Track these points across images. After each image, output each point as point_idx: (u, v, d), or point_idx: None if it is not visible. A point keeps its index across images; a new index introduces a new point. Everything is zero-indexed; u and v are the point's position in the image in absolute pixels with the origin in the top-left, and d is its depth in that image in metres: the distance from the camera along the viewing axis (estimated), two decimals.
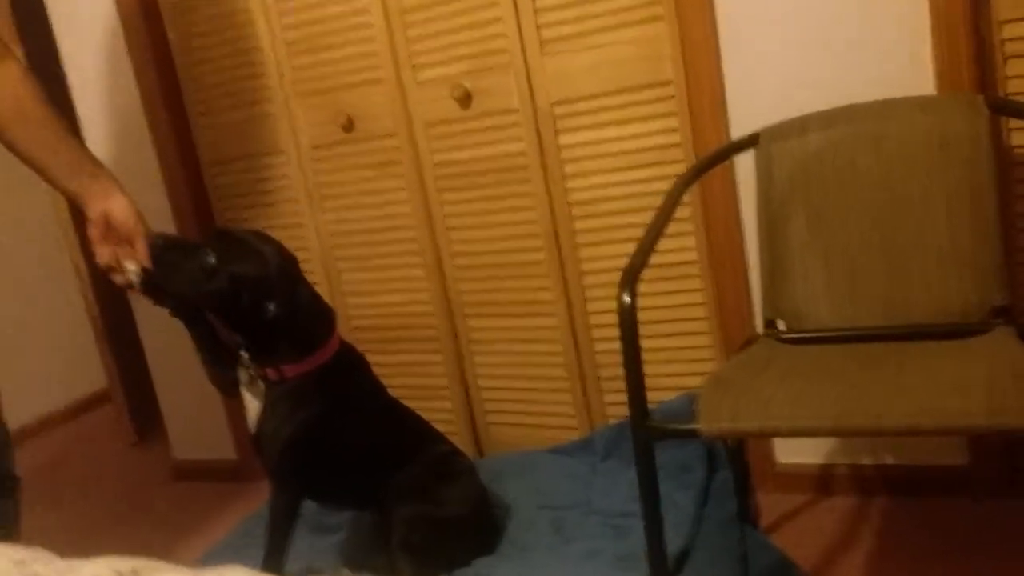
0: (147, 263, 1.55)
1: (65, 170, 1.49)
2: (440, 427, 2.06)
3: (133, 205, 1.53)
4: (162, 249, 1.68)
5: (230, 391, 1.84)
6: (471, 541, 1.81)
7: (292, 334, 1.71)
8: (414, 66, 2.13)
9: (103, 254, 1.54)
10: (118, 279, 1.58)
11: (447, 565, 1.77)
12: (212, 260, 1.64)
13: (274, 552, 1.76)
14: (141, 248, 1.54)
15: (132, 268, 1.55)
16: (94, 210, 1.50)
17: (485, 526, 1.86)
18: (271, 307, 1.66)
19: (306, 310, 1.74)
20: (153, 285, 1.63)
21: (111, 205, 1.50)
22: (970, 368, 1.29)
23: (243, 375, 1.79)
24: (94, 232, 1.51)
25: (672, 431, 1.38)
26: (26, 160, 1.49)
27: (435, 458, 1.86)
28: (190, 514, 2.46)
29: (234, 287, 1.64)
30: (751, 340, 1.66)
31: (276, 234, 2.43)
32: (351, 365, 1.84)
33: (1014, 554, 1.60)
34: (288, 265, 1.75)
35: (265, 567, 1.76)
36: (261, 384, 1.75)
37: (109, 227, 1.51)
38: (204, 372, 1.86)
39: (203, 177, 2.49)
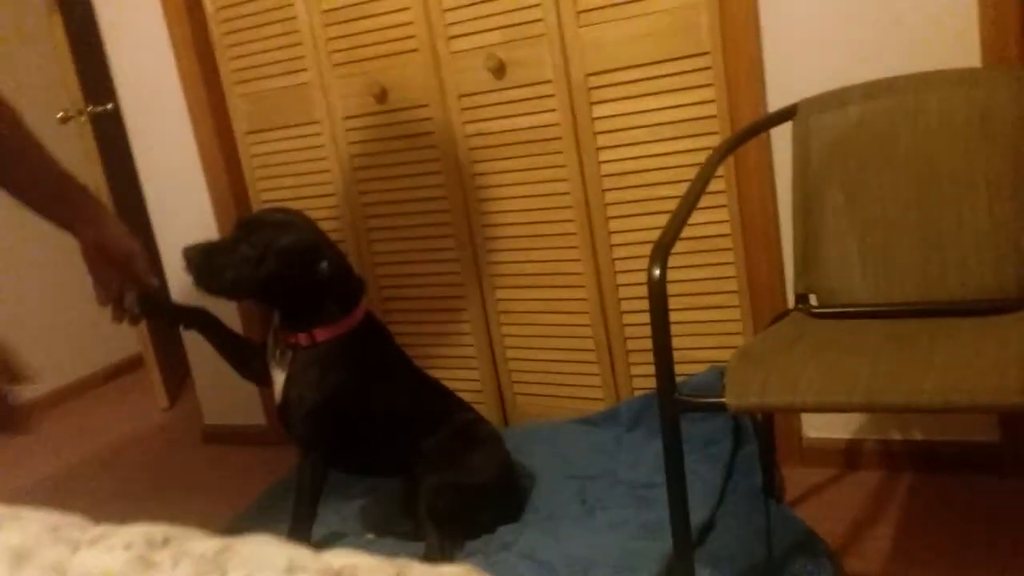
0: (149, 284, 1.54)
1: (50, 197, 1.40)
2: (467, 397, 2.07)
3: (124, 227, 1.48)
4: (200, 257, 1.70)
5: (264, 381, 1.87)
6: (497, 508, 1.83)
7: (335, 292, 1.74)
8: (449, 37, 2.12)
9: (104, 288, 1.50)
10: (118, 317, 1.59)
11: (473, 531, 1.79)
12: (253, 250, 1.67)
13: (301, 519, 1.79)
14: (140, 268, 1.50)
15: (130, 298, 1.57)
16: (86, 237, 1.44)
17: (511, 493, 1.88)
18: (324, 266, 1.70)
19: (346, 268, 1.78)
20: (152, 308, 1.66)
21: (103, 231, 1.44)
22: (1005, 345, 1.28)
23: (271, 347, 1.82)
24: (89, 259, 1.45)
25: (700, 404, 1.38)
26: (6, 187, 1.38)
27: (461, 425, 1.88)
28: (220, 478, 2.50)
29: (285, 262, 1.68)
30: (782, 315, 1.66)
31: (309, 203, 2.47)
32: (377, 331, 1.87)
33: None
34: (317, 227, 1.79)
35: (292, 533, 1.79)
36: (289, 353, 1.78)
37: (102, 253, 1.45)
38: (234, 371, 1.90)
39: (237, 147, 2.51)
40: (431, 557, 1.73)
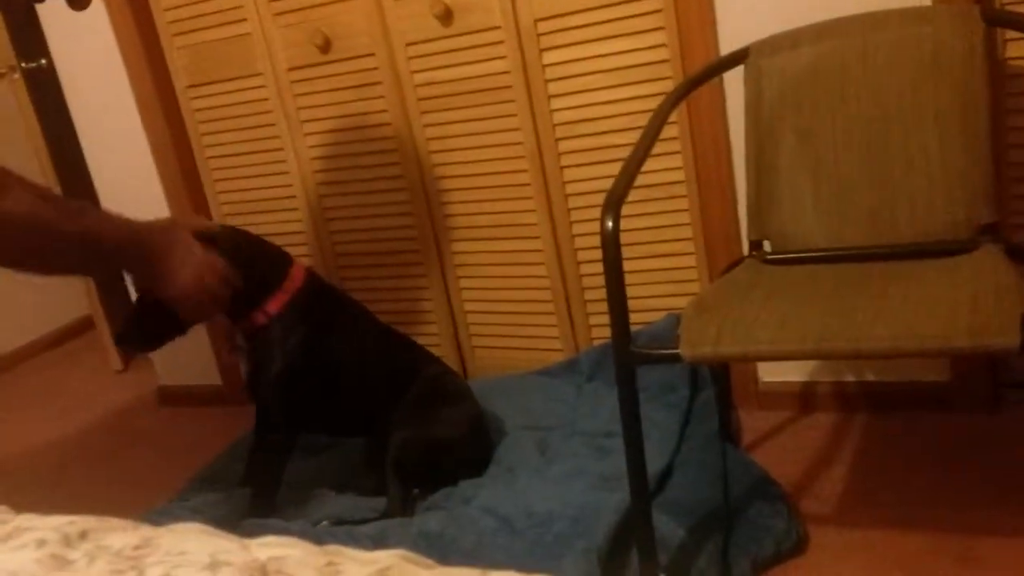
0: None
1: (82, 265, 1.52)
2: None
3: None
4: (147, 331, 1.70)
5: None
6: (466, 461, 1.83)
7: (263, 264, 1.74)
8: None
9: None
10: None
11: (437, 485, 1.79)
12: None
13: (266, 489, 1.79)
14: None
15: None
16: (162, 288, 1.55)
17: (481, 446, 1.88)
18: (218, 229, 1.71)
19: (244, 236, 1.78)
20: None
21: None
22: (954, 288, 1.28)
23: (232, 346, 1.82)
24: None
25: (655, 356, 1.38)
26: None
27: (430, 379, 1.87)
28: (177, 439, 2.48)
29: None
30: (736, 262, 1.65)
31: (255, 158, 2.41)
32: (326, 288, 1.85)
33: (994, 468, 1.62)
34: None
35: (255, 501, 1.78)
36: (244, 342, 1.78)
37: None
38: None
39: (178, 101, 2.42)
40: (392, 512, 1.73)
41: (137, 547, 0.45)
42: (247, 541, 0.47)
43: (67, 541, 0.46)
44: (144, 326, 1.69)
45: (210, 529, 0.49)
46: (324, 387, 1.79)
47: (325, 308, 1.80)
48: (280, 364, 1.73)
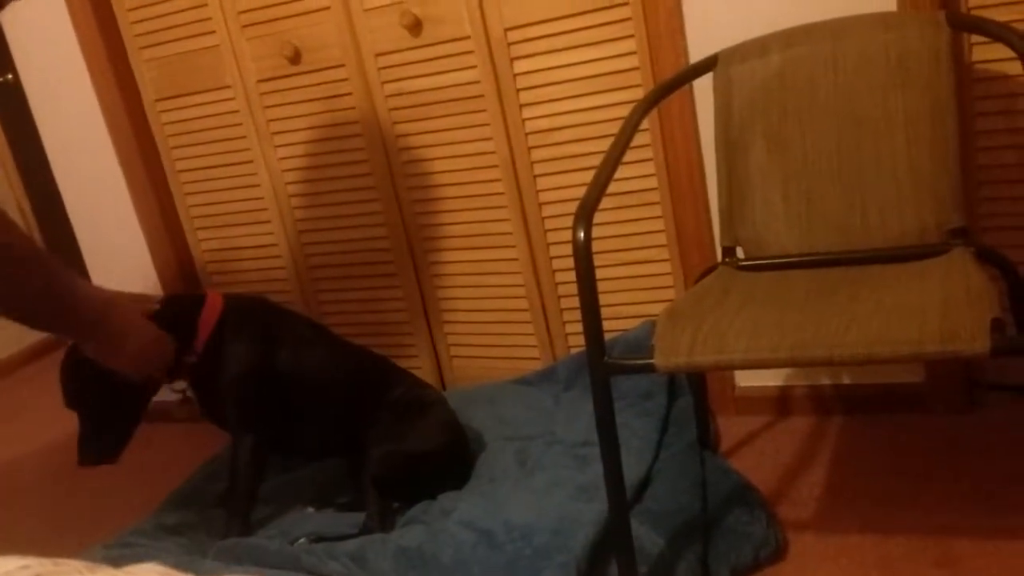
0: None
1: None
2: (403, 362, 2.05)
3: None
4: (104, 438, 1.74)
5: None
6: (445, 474, 1.82)
7: (181, 304, 1.76)
8: None
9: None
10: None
11: (417, 498, 1.77)
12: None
13: (238, 508, 1.77)
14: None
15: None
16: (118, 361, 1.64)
17: (459, 459, 1.87)
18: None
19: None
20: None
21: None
22: (925, 293, 1.29)
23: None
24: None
25: (629, 367, 1.37)
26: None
27: (404, 393, 1.86)
28: (153, 456, 2.44)
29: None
30: (710, 269, 1.65)
31: (226, 171, 2.39)
32: (256, 305, 1.85)
33: (970, 469, 1.63)
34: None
35: (229, 522, 1.76)
36: (186, 384, 1.79)
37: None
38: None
39: (147, 115, 2.39)
40: (371, 527, 1.72)
41: None
42: None
43: None
44: (101, 437, 1.72)
45: (168, 571, 0.47)
46: (285, 401, 1.78)
47: (261, 321, 1.80)
48: (227, 379, 1.74)
